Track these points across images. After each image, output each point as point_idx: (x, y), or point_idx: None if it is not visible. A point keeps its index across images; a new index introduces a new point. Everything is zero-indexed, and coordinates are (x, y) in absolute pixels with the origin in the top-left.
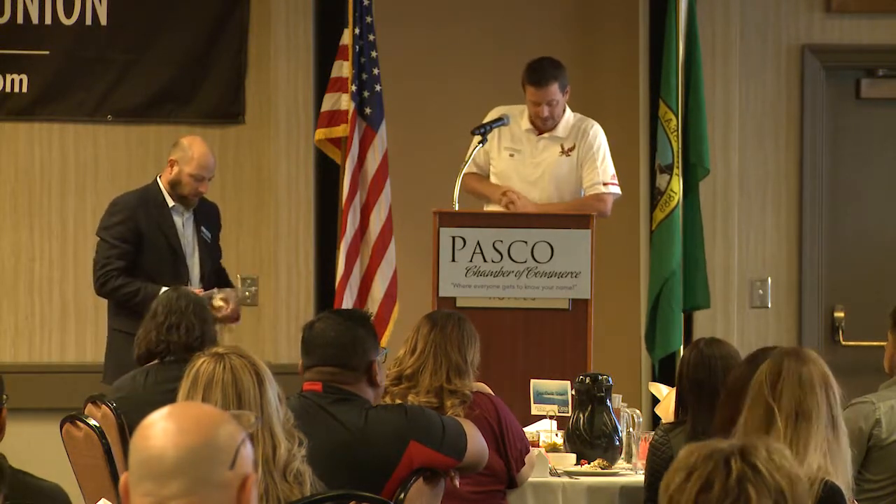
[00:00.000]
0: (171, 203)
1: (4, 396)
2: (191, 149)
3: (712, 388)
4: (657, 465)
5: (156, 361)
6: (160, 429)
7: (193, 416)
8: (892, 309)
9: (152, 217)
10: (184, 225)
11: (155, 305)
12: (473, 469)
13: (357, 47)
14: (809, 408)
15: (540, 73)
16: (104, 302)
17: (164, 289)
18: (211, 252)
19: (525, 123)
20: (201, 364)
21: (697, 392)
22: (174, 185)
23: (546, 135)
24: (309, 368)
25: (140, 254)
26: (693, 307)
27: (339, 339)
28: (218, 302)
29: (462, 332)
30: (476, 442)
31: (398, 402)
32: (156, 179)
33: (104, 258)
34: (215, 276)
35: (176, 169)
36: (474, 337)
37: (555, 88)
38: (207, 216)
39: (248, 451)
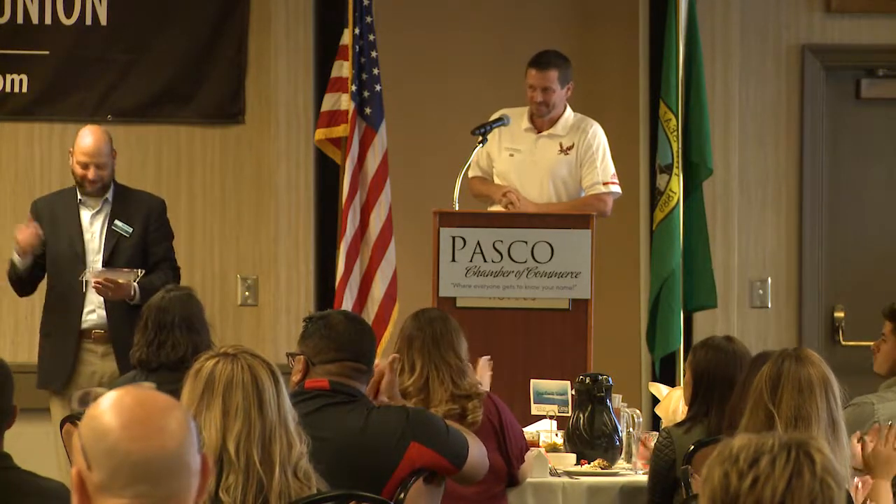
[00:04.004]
0: (79, 196)
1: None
2: (78, 138)
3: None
4: (659, 467)
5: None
6: (139, 430)
7: (159, 409)
8: (886, 308)
9: (57, 215)
10: (92, 219)
11: (146, 316)
12: (471, 480)
13: (357, 47)
14: (809, 412)
15: (543, 57)
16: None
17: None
18: (126, 246)
19: (525, 123)
20: (216, 365)
21: (728, 389)
22: (73, 174)
23: (545, 133)
24: (325, 363)
25: (47, 248)
26: (699, 307)
27: (361, 335)
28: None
29: (450, 332)
30: (476, 453)
31: None
32: None
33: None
34: (151, 271)
35: (71, 158)
36: (459, 330)
37: (553, 75)
38: (128, 209)
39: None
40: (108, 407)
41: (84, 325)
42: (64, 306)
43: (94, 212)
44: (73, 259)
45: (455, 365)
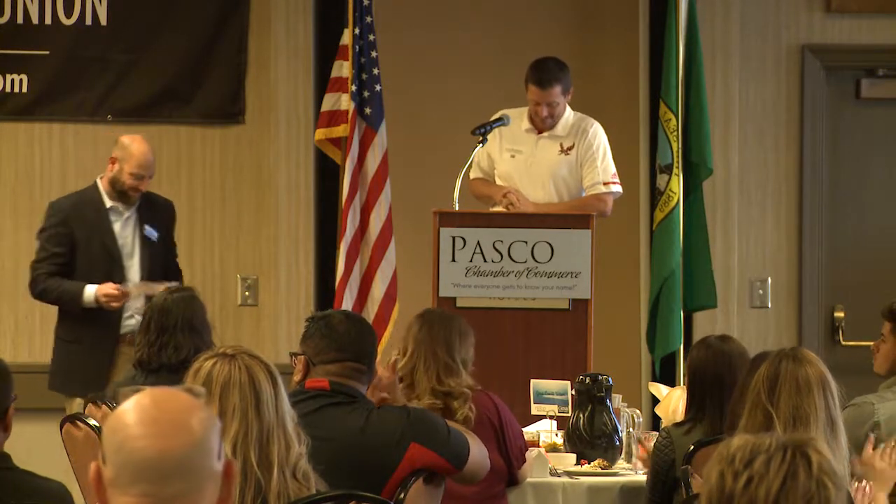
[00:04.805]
0: (108, 203)
1: (13, 395)
2: (131, 148)
3: (732, 383)
4: (659, 467)
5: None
6: (149, 428)
7: (176, 409)
8: (885, 309)
9: (87, 219)
10: (123, 225)
11: (148, 317)
12: (471, 481)
13: (357, 47)
14: (807, 411)
15: (543, 73)
16: None
17: (88, 287)
18: (156, 251)
19: (525, 123)
20: (213, 365)
21: (718, 388)
22: (114, 183)
23: (546, 134)
24: (326, 363)
25: (74, 257)
26: (699, 307)
27: (362, 335)
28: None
29: (450, 331)
30: (477, 454)
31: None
32: (95, 181)
33: (35, 262)
34: (165, 276)
35: (116, 167)
36: (465, 334)
37: (557, 91)
38: (154, 214)
39: (220, 434)
40: (129, 405)
41: (122, 331)
42: (101, 313)
43: (124, 217)
44: (110, 265)
45: (444, 361)
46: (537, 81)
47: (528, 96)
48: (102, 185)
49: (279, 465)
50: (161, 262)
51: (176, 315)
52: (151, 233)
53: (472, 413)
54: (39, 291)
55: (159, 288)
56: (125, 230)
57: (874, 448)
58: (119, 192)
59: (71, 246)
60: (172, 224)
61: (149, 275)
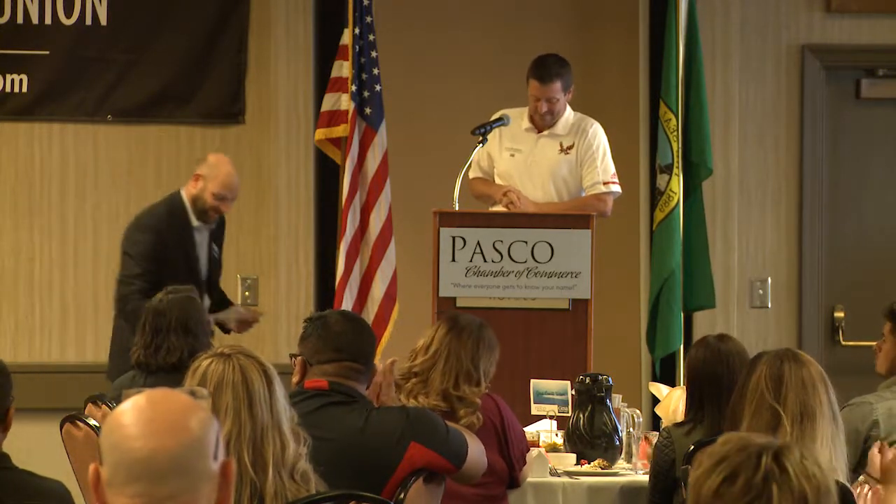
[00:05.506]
0: (195, 223)
1: (12, 396)
2: (217, 167)
3: (730, 383)
4: (659, 467)
5: None
6: (144, 428)
7: (172, 410)
8: (886, 309)
9: (176, 234)
10: (200, 242)
11: (144, 319)
12: (470, 479)
13: (357, 47)
14: (813, 406)
15: (545, 69)
16: (104, 302)
17: None
18: (215, 269)
19: (525, 123)
20: (209, 365)
21: (716, 388)
22: (195, 200)
23: (546, 133)
24: (323, 363)
25: (162, 271)
26: (698, 307)
27: (358, 335)
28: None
29: (478, 341)
30: (475, 452)
31: (409, 400)
32: (179, 193)
33: (128, 277)
34: (216, 294)
35: (201, 184)
36: (491, 347)
37: (557, 87)
38: (219, 233)
39: (219, 435)
40: (126, 405)
41: None
42: None
43: (201, 235)
44: (193, 280)
45: (467, 368)
46: (538, 76)
47: (528, 92)
48: (187, 200)
49: (275, 465)
50: (214, 281)
51: (170, 317)
52: (216, 251)
53: (478, 422)
54: (131, 310)
55: (251, 315)
56: (201, 248)
57: (866, 445)
58: (199, 209)
59: (162, 260)
60: (222, 241)
61: (209, 293)
